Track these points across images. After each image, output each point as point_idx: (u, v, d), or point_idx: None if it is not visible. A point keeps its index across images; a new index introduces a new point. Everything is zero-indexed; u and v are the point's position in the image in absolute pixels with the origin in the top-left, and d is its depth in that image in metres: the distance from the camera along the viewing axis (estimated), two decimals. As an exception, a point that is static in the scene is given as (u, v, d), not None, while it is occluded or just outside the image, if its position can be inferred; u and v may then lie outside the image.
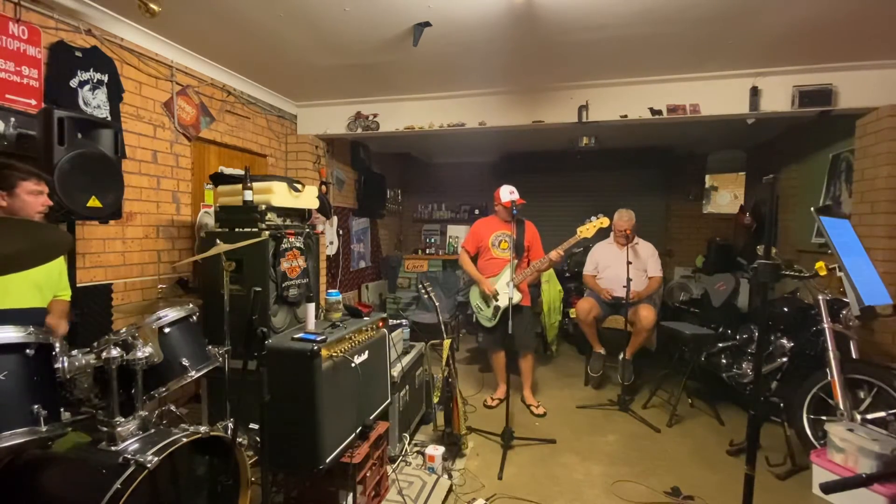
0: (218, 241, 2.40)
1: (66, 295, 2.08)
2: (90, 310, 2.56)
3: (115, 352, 1.53)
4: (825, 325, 2.66)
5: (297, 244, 2.90)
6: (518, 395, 3.63)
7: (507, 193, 3.38)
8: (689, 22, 2.73)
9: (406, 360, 2.95)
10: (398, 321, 3.35)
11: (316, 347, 1.87)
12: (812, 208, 1.99)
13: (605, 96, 3.82)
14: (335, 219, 5.02)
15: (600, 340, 4.01)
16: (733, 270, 4.28)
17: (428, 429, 3.16)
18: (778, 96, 3.49)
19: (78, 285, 2.33)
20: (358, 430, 2.12)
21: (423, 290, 3.25)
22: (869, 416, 2.54)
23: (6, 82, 2.22)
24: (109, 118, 2.67)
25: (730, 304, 3.94)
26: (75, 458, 1.50)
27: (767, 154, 5.51)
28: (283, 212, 2.95)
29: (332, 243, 4.98)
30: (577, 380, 4.22)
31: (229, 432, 1.79)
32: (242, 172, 2.73)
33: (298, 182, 3.01)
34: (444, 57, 3.29)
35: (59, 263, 2.03)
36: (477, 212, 6.97)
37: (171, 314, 1.85)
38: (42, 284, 1.91)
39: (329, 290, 2.50)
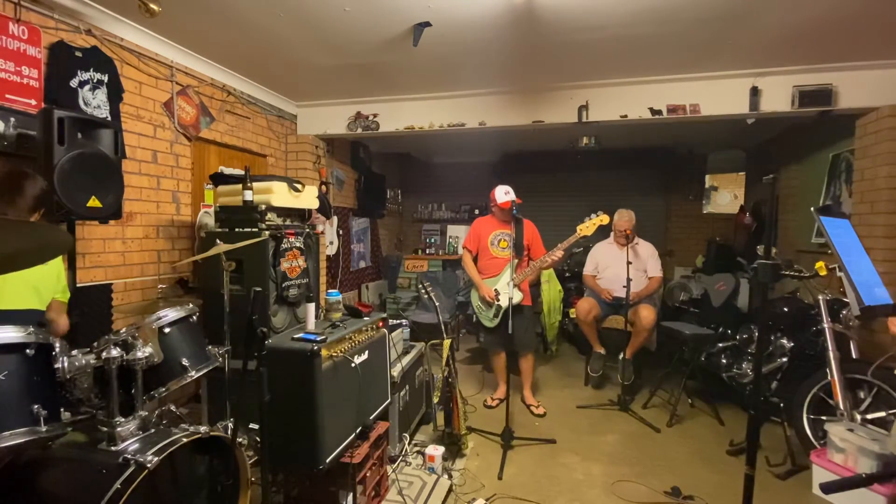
0: (218, 241, 2.41)
1: (65, 297, 2.08)
2: (90, 310, 2.56)
3: (115, 352, 1.53)
4: (825, 325, 2.66)
5: (297, 244, 2.90)
6: (518, 395, 3.63)
7: (503, 194, 3.37)
8: (689, 22, 2.73)
9: (406, 360, 2.95)
10: (398, 321, 3.35)
11: (316, 347, 1.87)
12: (812, 208, 1.99)
13: (605, 96, 3.82)
14: (335, 219, 5.02)
15: (600, 340, 4.01)
16: (733, 270, 4.28)
17: (428, 429, 3.16)
18: (778, 96, 3.49)
19: (78, 285, 2.32)
20: (358, 430, 2.12)
21: (423, 290, 3.25)
22: (869, 416, 2.54)
23: (6, 82, 2.22)
24: (109, 118, 2.66)
25: (730, 304, 3.94)
26: (75, 458, 1.50)
27: (767, 154, 5.51)
28: (283, 212, 2.95)
29: (332, 243, 4.98)
30: (577, 380, 4.22)
31: (229, 432, 1.79)
32: (242, 172, 2.73)
33: (298, 182, 3.01)
34: (444, 57, 3.28)
35: (57, 265, 2.02)
36: (477, 212, 6.97)
37: (171, 314, 1.85)
38: (39, 286, 1.90)
39: (329, 290, 2.50)
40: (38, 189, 1.84)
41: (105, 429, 1.50)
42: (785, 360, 3.08)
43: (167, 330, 1.82)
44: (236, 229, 2.74)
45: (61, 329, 1.98)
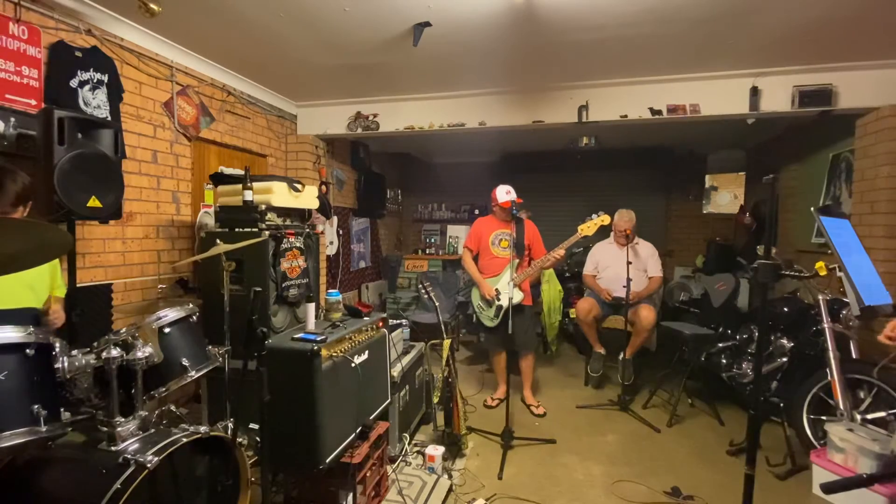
0: (218, 241, 2.40)
1: (61, 292, 2.08)
2: (90, 310, 2.56)
3: (115, 352, 1.53)
4: (825, 325, 2.66)
5: (297, 244, 2.90)
6: (518, 395, 3.63)
7: (504, 194, 3.37)
8: (689, 22, 2.73)
9: (406, 360, 2.95)
10: (398, 321, 3.35)
11: (316, 347, 1.87)
12: (812, 208, 1.99)
13: (605, 96, 3.82)
14: (335, 219, 5.02)
15: (600, 340, 4.01)
16: (733, 270, 4.28)
17: (428, 429, 3.16)
18: (778, 96, 3.49)
19: (78, 285, 2.32)
20: (358, 430, 2.12)
21: (423, 290, 3.25)
22: (869, 416, 2.54)
23: (6, 82, 2.22)
24: (109, 118, 2.66)
25: (730, 304, 3.94)
26: (75, 458, 1.50)
27: (767, 154, 5.51)
28: (283, 212, 2.95)
29: (332, 243, 4.98)
30: (577, 380, 4.21)
31: (229, 432, 1.79)
32: (242, 172, 2.73)
33: (298, 182, 3.00)
34: (444, 57, 3.28)
35: (53, 262, 2.02)
36: (477, 212, 6.98)
37: (171, 314, 1.85)
38: (35, 284, 1.90)
39: (329, 290, 2.50)
40: (19, 185, 1.83)
41: (105, 429, 1.50)
42: (785, 360, 3.08)
43: (167, 330, 1.82)
44: (236, 229, 2.73)
45: (59, 319, 1.96)
